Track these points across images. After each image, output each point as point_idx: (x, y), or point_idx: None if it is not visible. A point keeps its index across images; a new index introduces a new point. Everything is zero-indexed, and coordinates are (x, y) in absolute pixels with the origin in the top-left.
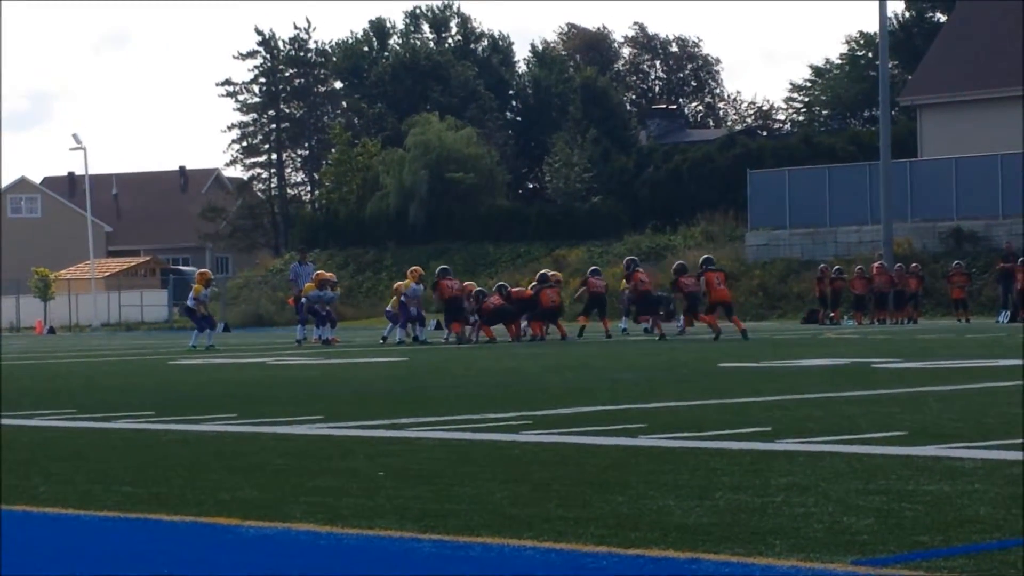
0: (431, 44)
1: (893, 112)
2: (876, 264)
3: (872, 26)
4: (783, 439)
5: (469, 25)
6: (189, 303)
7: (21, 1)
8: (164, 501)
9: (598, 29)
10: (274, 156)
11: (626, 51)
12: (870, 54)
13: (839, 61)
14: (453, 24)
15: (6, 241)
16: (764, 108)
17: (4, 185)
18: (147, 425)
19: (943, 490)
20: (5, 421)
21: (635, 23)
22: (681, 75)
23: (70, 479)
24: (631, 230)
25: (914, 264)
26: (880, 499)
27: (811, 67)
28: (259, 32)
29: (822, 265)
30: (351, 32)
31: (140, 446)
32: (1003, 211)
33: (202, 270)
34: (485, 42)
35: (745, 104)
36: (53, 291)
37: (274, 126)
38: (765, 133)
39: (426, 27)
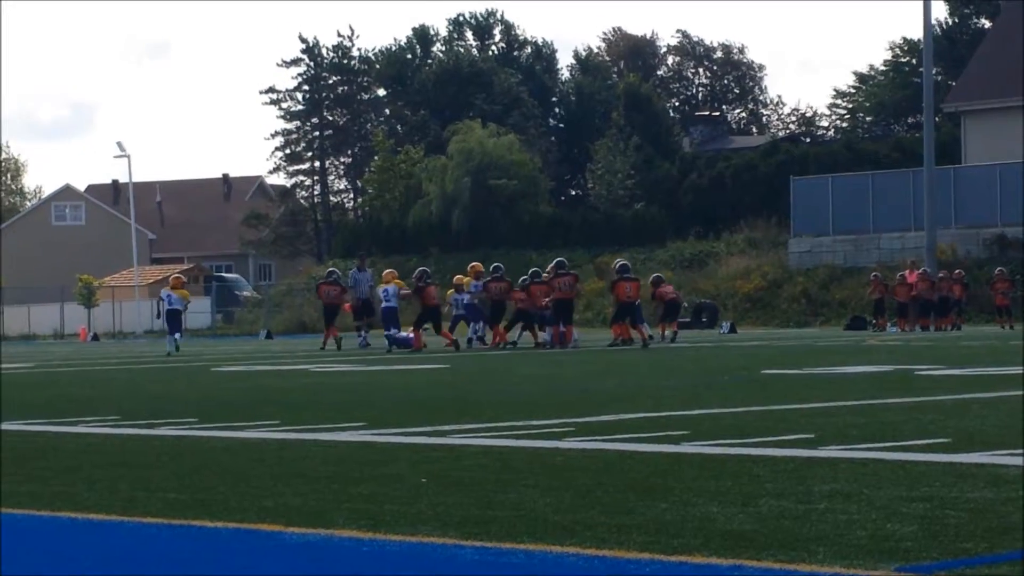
0: (474, 51)
1: (937, 118)
2: (918, 271)
3: (916, 32)
4: (826, 446)
5: (512, 32)
6: (179, 306)
7: (64, 8)
8: (207, 508)
9: (645, 36)
10: (317, 163)
11: (670, 59)
12: (914, 60)
13: (883, 68)
14: (496, 31)
15: (51, 249)
16: (807, 115)
17: (49, 193)
18: (190, 432)
19: (987, 497)
20: (51, 428)
21: (678, 30)
22: (724, 82)
23: (114, 486)
24: (674, 237)
25: (957, 271)
26: (923, 506)
27: (855, 73)
28: (303, 40)
29: (874, 273)
30: (394, 39)
31: (183, 453)
32: None
33: (176, 275)
34: (528, 49)
35: (788, 111)
36: (97, 298)
37: (317, 133)
38: (808, 140)
39: (469, 34)
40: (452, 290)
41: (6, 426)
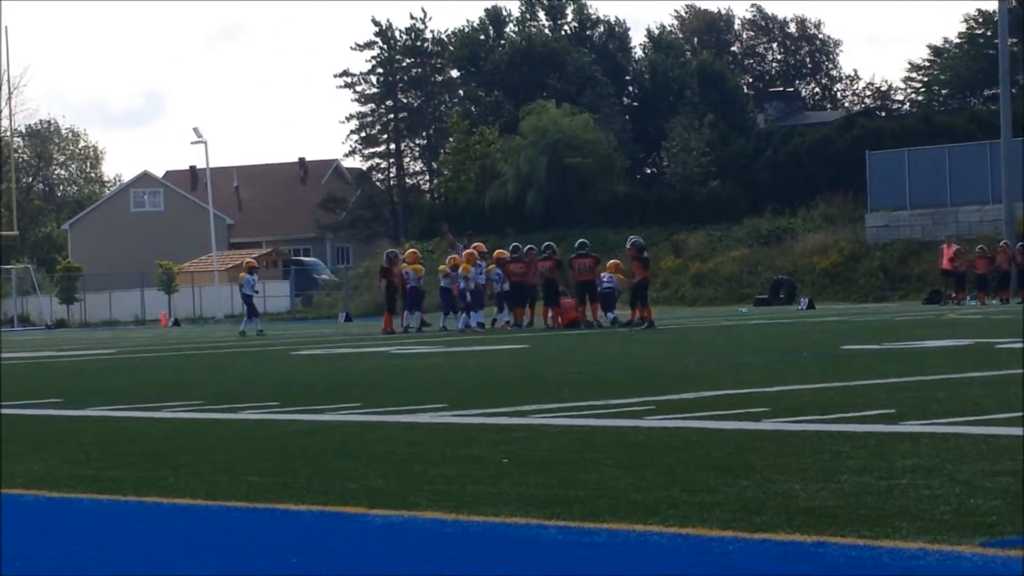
0: (547, 31)
1: (1013, 90)
2: (954, 247)
3: (991, 4)
4: (907, 421)
5: (585, 11)
6: (248, 291)
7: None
8: (290, 491)
9: (720, 12)
10: (392, 146)
11: (744, 35)
12: (989, 32)
13: (957, 40)
14: (569, 11)
15: (131, 235)
16: (882, 88)
17: (128, 179)
18: (272, 415)
19: None
20: (135, 414)
21: (753, 4)
22: (798, 57)
23: (198, 470)
24: (750, 214)
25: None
26: (1007, 480)
27: (929, 47)
28: (376, 23)
29: (957, 247)
30: (467, 21)
31: (266, 436)
32: None
33: (249, 260)
34: (601, 28)
35: (863, 85)
36: (177, 284)
37: (392, 116)
38: (883, 114)
39: (542, 14)
40: (492, 265)
41: (95, 411)
